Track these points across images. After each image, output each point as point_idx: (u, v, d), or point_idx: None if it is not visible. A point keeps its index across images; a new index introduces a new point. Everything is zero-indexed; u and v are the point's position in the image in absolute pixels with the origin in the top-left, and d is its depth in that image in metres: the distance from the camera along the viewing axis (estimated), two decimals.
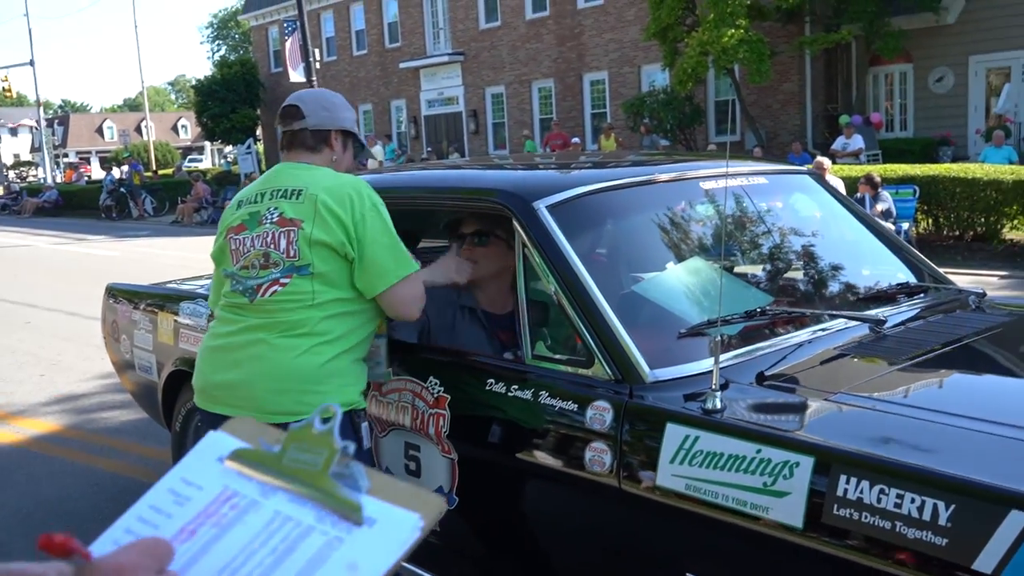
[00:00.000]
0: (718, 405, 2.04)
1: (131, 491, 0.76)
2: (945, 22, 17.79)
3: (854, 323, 2.55)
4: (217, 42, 66.14)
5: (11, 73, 37.64)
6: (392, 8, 29.48)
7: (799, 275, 2.98)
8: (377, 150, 23.52)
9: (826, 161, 11.29)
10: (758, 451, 1.89)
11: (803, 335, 2.48)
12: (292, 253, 2.41)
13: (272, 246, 2.42)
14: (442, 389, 2.62)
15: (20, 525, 4.22)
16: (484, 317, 2.99)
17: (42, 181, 37.78)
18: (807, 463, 1.82)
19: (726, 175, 2.77)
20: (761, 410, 2.07)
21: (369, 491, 0.75)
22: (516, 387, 2.44)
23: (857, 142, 15.74)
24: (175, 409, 3.95)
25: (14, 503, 4.48)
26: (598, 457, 2.19)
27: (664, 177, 2.84)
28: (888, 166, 12.79)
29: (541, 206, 2.54)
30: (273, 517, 0.74)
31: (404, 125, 29.95)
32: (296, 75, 21.47)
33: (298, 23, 20.04)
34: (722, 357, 2.24)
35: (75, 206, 29.20)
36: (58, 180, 38.84)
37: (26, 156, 65.34)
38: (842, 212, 3.31)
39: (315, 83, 19.33)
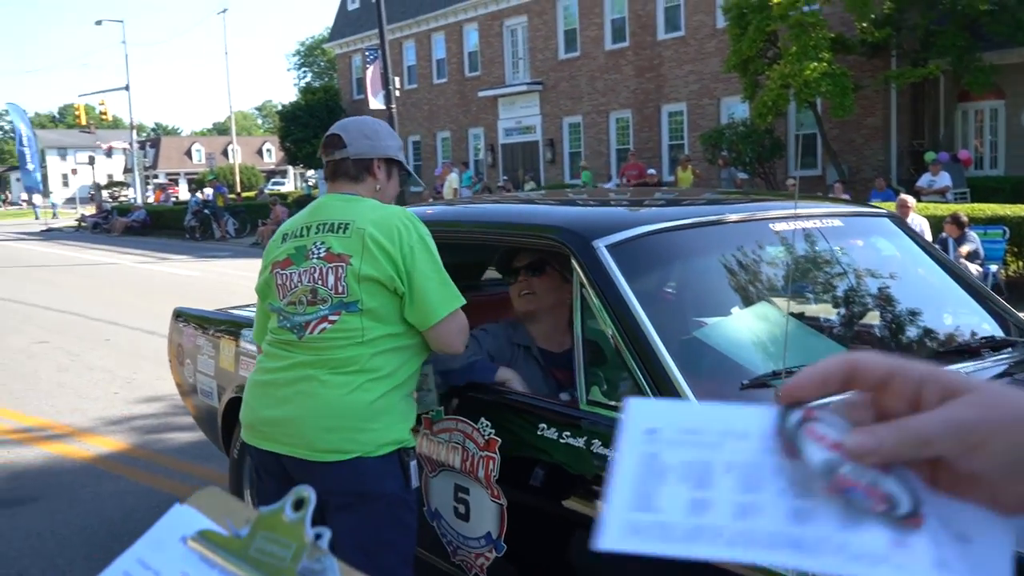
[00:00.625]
0: None
1: None
2: None
3: None
4: (303, 69, 67.94)
5: (108, 97, 39.18)
6: (473, 38, 29.83)
7: (875, 323, 2.82)
8: (453, 177, 23.69)
9: (910, 199, 10.92)
10: None
11: None
12: (340, 289, 2.36)
13: (320, 282, 2.38)
14: (493, 432, 2.54)
15: (84, 545, 4.26)
16: (540, 355, 2.91)
17: (132, 201, 39.13)
18: None
19: (794, 216, 2.64)
20: None
21: None
22: (568, 433, 2.34)
23: (944, 179, 15.23)
24: (233, 435, 3.95)
25: (79, 521, 4.54)
26: None
27: (732, 218, 2.73)
28: (976, 205, 12.33)
29: (601, 245, 2.45)
30: None
31: (481, 153, 30.17)
32: (376, 102, 21.86)
33: (380, 51, 20.38)
34: None
35: (161, 226, 30.13)
36: (149, 201, 40.21)
37: (119, 177, 67.85)
38: (923, 257, 3.14)
39: (394, 110, 19.61)
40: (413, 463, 2.45)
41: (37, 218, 45.98)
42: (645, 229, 2.54)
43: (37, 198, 48.57)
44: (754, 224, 2.72)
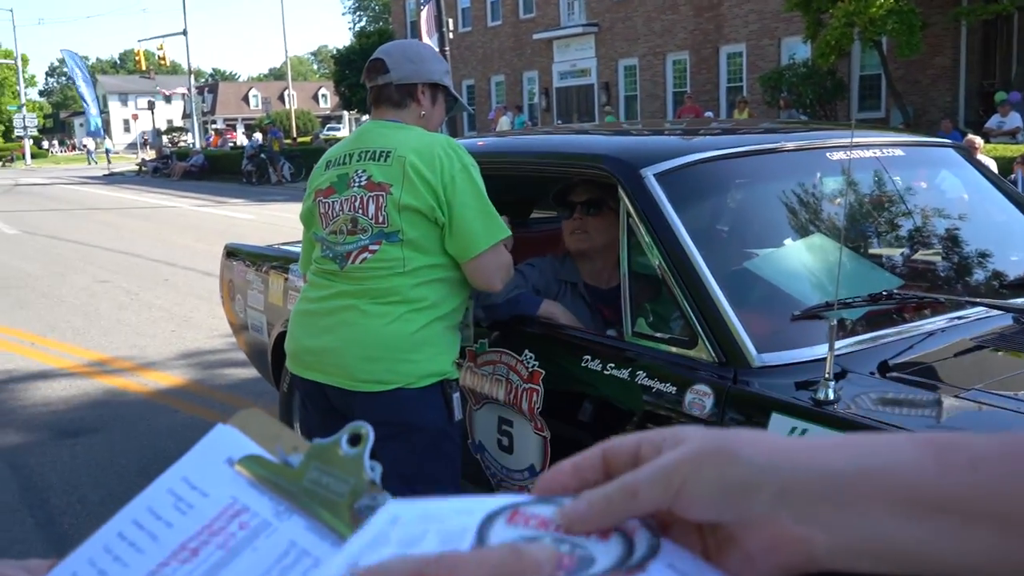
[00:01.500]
0: (831, 396, 1.84)
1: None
2: None
3: (996, 312, 2.29)
4: (358, 13, 67.64)
5: (166, 43, 39.43)
6: None
7: (935, 257, 2.71)
8: (504, 120, 23.50)
9: (978, 140, 10.52)
10: None
11: (936, 323, 2.23)
12: (381, 219, 2.32)
13: (360, 211, 2.34)
14: (537, 364, 2.50)
15: (140, 474, 4.37)
16: (587, 292, 2.85)
17: (191, 146, 39.60)
18: None
19: (850, 145, 2.52)
20: (880, 404, 1.86)
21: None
22: (613, 365, 2.29)
23: (1015, 120, 14.65)
24: (282, 369, 3.98)
25: (136, 452, 4.65)
26: None
27: (786, 146, 2.62)
28: None
29: (649, 174, 2.37)
30: (288, 548, 0.62)
31: (536, 97, 29.84)
32: (430, 44, 21.62)
33: None
34: (842, 344, 2.04)
35: (219, 170, 30.47)
36: (207, 146, 40.67)
37: (178, 122, 68.67)
38: (990, 190, 2.99)
39: (448, 53, 19.42)
40: (456, 395, 2.43)
41: (90, 163, 46.92)
42: (695, 157, 2.45)
43: (90, 142, 49.49)
44: (810, 153, 2.61)
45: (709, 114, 21.30)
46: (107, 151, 46.35)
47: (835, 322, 1.87)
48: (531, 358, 2.52)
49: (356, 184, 2.36)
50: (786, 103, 18.81)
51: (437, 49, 20.09)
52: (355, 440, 0.65)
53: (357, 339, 2.33)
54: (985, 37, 18.30)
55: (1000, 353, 2.14)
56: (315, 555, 0.62)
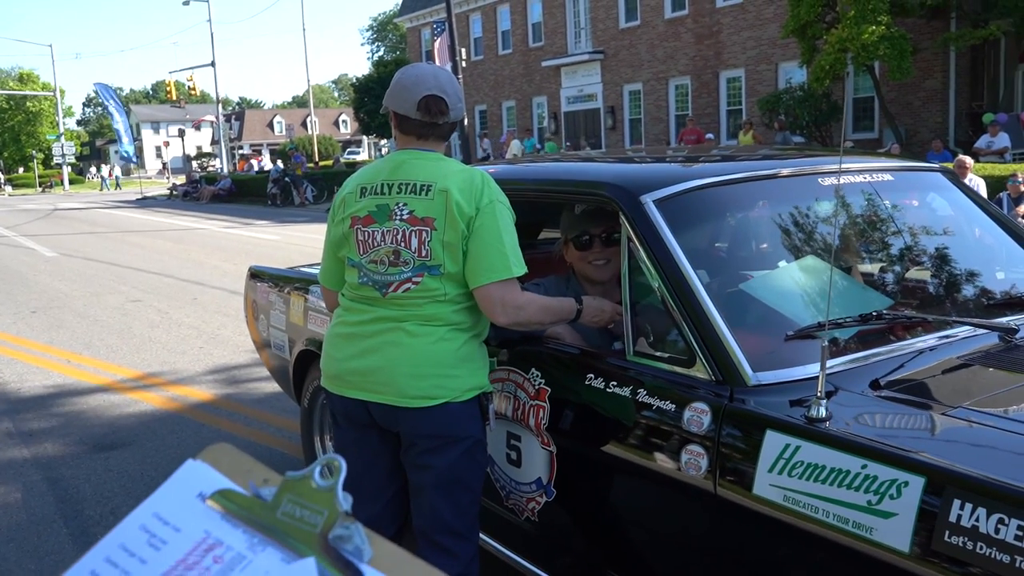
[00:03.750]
0: (823, 413, 1.83)
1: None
2: None
3: (982, 331, 2.27)
4: (376, 43, 68.05)
5: (195, 74, 39.74)
6: (536, 9, 29.46)
7: (924, 277, 2.69)
8: (515, 144, 23.56)
9: (968, 160, 10.48)
10: (863, 466, 1.68)
11: (925, 342, 2.22)
12: (424, 253, 2.31)
13: (403, 244, 2.32)
14: (543, 381, 2.50)
15: None
16: None
17: (219, 171, 39.84)
18: (917, 483, 1.60)
19: (839, 171, 2.52)
20: (870, 422, 1.85)
21: (371, 561, 0.62)
22: (615, 383, 2.29)
23: (1003, 140, 14.60)
24: (304, 386, 3.99)
25: (166, 465, 4.66)
26: (694, 460, 2.02)
27: (780, 172, 2.62)
28: None
29: (648, 200, 2.37)
30: None
31: (545, 121, 29.91)
32: None
33: (447, 24, 20.26)
34: (833, 363, 2.03)
35: (246, 193, 30.64)
36: (234, 170, 40.88)
37: (207, 148, 69.13)
38: (976, 213, 2.98)
39: (461, 80, 19.51)
40: (492, 406, 2.45)
41: (103, 191, 47.28)
42: (693, 184, 2.45)
43: (104, 170, 50.01)
44: (803, 179, 2.61)
45: (710, 136, 21.28)
46: (117, 177, 46.68)
47: (826, 342, 1.87)
48: (537, 376, 2.52)
49: (398, 217, 2.33)
50: (781, 125, 18.78)
51: None
52: (328, 472, 0.64)
53: (404, 358, 2.33)
54: (973, 61, 18.26)
55: (987, 370, 2.12)
56: None
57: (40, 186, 52.87)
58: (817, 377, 1.96)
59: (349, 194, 2.47)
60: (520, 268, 2.32)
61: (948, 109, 18.69)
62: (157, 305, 9.66)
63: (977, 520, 1.50)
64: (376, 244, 2.37)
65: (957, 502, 1.54)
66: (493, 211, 2.30)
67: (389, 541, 0.64)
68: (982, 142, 14.84)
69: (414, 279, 2.32)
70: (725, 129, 23.39)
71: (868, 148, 18.18)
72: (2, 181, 54.65)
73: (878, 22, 15.72)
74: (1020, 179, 9.57)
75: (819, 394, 1.85)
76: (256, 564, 0.61)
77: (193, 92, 43.59)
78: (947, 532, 1.54)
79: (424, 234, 2.30)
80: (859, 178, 2.69)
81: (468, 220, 2.29)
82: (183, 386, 6.24)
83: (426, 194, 2.32)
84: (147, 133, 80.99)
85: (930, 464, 1.62)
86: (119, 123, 39.87)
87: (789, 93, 19.64)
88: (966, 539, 1.51)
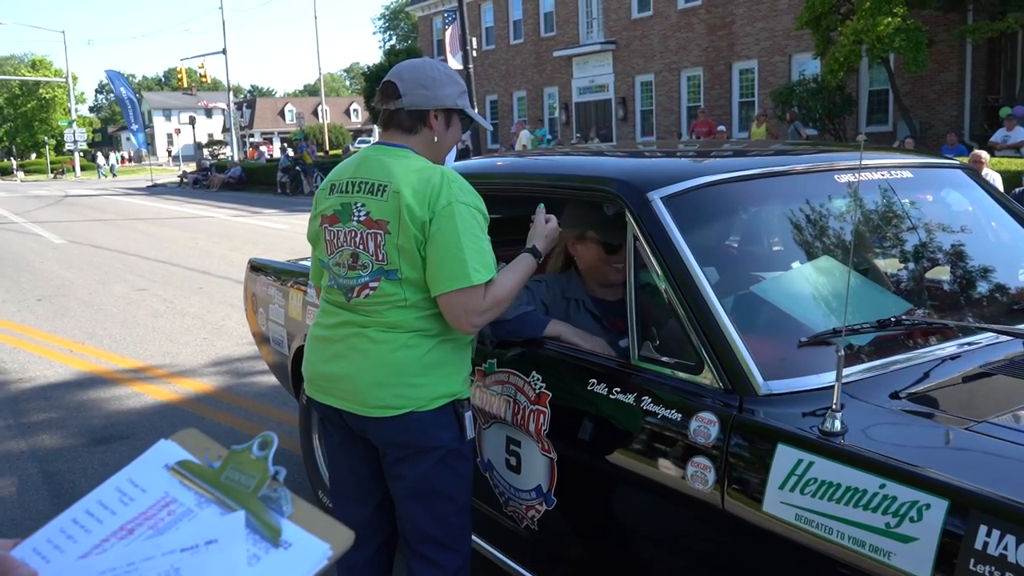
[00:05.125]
0: (837, 427, 1.72)
1: None
2: None
3: (1005, 338, 2.15)
4: (388, 32, 67.80)
5: (207, 61, 39.69)
6: None
7: (944, 280, 2.57)
8: (525, 134, 23.39)
9: (984, 154, 10.28)
10: (882, 486, 1.57)
11: (945, 349, 2.11)
12: (381, 257, 2.19)
13: (361, 247, 2.21)
14: (544, 386, 2.39)
15: None
16: (596, 306, 2.74)
17: (230, 159, 39.80)
18: (940, 506, 1.49)
19: (859, 168, 2.40)
20: (889, 437, 1.74)
21: (291, 516, 0.79)
22: (618, 389, 2.18)
23: (1019, 134, 14.35)
24: (302, 382, 3.89)
25: None
26: (700, 473, 1.91)
27: (794, 168, 2.49)
28: None
29: (656, 197, 2.26)
30: (204, 527, 0.77)
31: (556, 111, 29.73)
32: (454, 62, 21.61)
33: (458, 13, 20.10)
34: (850, 371, 1.92)
35: (256, 181, 30.58)
36: (245, 158, 40.85)
37: (218, 136, 69.13)
38: (998, 211, 2.85)
39: (472, 70, 19.36)
40: (468, 414, 2.31)
41: (99, 178, 47.36)
42: (702, 180, 2.33)
43: (100, 159, 50.16)
44: (818, 176, 2.48)
45: (722, 128, 21.08)
46: (112, 166, 46.71)
47: (842, 352, 1.75)
48: (538, 380, 2.42)
49: (356, 219, 2.23)
50: (792, 117, 18.56)
51: (460, 66, 19.99)
52: (264, 446, 0.82)
53: (366, 366, 2.23)
54: (990, 54, 17.98)
55: (1013, 381, 2.00)
56: (220, 531, 0.76)
57: (52, 172, 52.99)
58: (832, 387, 1.86)
59: (321, 190, 2.39)
60: (484, 273, 2.15)
61: (964, 102, 18.43)
62: (162, 294, 9.60)
63: (1005, 548, 1.39)
64: (339, 245, 2.27)
65: (983, 528, 1.43)
66: (451, 214, 2.13)
67: (308, 503, 0.80)
68: (998, 136, 14.61)
69: (371, 284, 2.21)
70: (737, 121, 23.17)
71: (882, 141, 17.96)
72: (15, 167, 54.80)
73: (893, 14, 15.49)
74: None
75: (834, 406, 1.74)
76: (200, 516, 0.78)
77: (204, 79, 43.53)
78: (972, 560, 1.43)
79: (379, 237, 2.18)
80: (877, 175, 2.57)
81: (422, 225, 2.14)
82: (184, 378, 6.17)
83: (381, 195, 2.20)
84: (159, 120, 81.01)
85: (954, 485, 1.51)
86: (130, 110, 39.83)
87: (803, 85, 19.40)
88: (993, 568, 1.40)
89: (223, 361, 6.60)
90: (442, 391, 2.24)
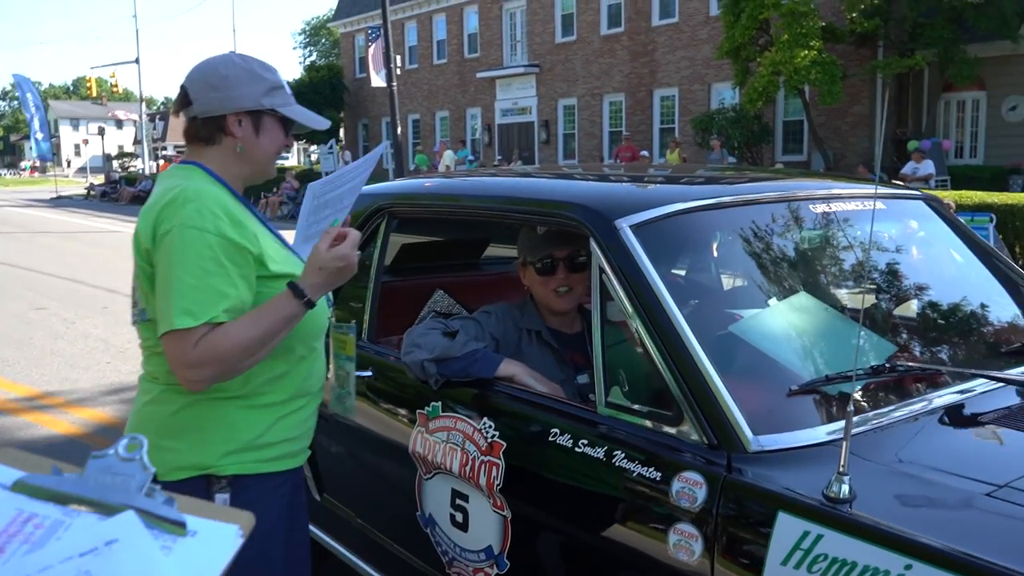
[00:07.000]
0: (847, 493, 1.49)
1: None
2: (1021, 51, 16.67)
3: (997, 384, 1.98)
4: (308, 48, 66.78)
5: (119, 70, 38.28)
6: (472, 20, 29.16)
7: (930, 321, 2.39)
8: (448, 154, 23.16)
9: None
10: (908, 567, 1.35)
11: (944, 397, 1.91)
12: (137, 297, 1.84)
13: (135, 284, 1.85)
14: (497, 435, 2.11)
15: None
16: (553, 338, 2.48)
17: (140, 172, 38.37)
18: None
19: (875, 196, 2.21)
20: (908, 505, 1.52)
21: (180, 509, 0.77)
22: (585, 442, 1.92)
23: (927, 167, 14.82)
24: None
25: None
26: (685, 543, 1.66)
27: (771, 196, 2.29)
28: (963, 192, 11.91)
29: (624, 225, 2.02)
30: (93, 531, 0.73)
31: (479, 132, 29.58)
32: (378, 79, 21.31)
33: (381, 30, 19.78)
34: (837, 426, 1.70)
35: None
36: (156, 172, 39.40)
37: (129, 148, 66.78)
38: (960, 246, 2.71)
39: (395, 88, 19.03)
40: (223, 496, 1.79)
41: None
42: (674, 208, 2.10)
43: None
44: (796, 204, 2.29)
45: (644, 153, 21.26)
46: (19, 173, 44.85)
47: (852, 407, 1.53)
48: (490, 427, 2.14)
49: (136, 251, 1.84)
50: (720, 144, 18.82)
51: (384, 84, 19.52)
52: (133, 447, 0.80)
53: (130, 420, 1.90)
54: (899, 88, 18.58)
55: (1019, 435, 1.82)
56: (116, 532, 0.73)
57: None
58: (828, 443, 1.64)
59: None
60: (191, 318, 1.67)
61: (874, 135, 18.99)
62: (63, 314, 8.96)
63: None
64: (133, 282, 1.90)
65: None
66: (170, 241, 1.71)
67: (189, 498, 0.80)
68: (908, 168, 15.02)
69: (133, 325, 1.87)
70: (658, 147, 23.41)
71: (800, 169, 18.35)
72: None
73: (810, 47, 15.90)
74: (950, 206, 9.58)
75: (842, 468, 1.51)
76: (76, 524, 0.74)
77: (116, 89, 42.01)
78: None
79: (136, 272, 1.82)
80: (851, 205, 2.39)
81: (146, 254, 1.75)
82: (84, 407, 5.66)
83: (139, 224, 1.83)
84: (66, 130, 77.84)
85: (998, 569, 1.29)
86: (35, 116, 38.04)
87: (721, 113, 19.74)
88: None
89: (126, 387, 6.11)
90: (187, 461, 1.78)
